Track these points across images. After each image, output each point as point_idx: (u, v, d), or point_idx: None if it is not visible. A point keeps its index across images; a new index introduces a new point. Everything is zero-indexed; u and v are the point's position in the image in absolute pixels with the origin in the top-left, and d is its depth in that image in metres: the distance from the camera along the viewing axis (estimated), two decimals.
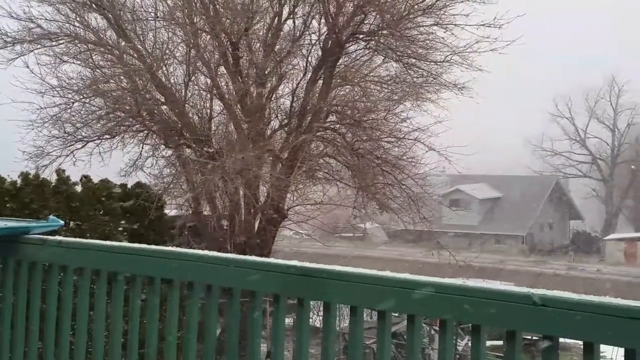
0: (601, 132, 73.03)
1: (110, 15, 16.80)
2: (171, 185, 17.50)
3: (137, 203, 15.07)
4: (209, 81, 17.50)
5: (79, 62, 17.25)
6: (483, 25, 16.45)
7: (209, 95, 17.69)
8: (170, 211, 17.16)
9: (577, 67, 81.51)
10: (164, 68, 17.25)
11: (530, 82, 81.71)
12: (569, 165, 73.17)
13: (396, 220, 19.95)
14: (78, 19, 17.06)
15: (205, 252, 3.46)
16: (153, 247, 3.69)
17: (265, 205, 16.61)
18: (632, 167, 68.63)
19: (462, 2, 16.62)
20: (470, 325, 2.51)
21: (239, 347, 3.21)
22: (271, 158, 17.20)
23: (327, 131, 17.99)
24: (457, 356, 21.21)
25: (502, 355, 2.42)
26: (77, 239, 4.20)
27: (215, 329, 3.39)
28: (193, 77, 17.58)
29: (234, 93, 17.04)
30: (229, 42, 16.73)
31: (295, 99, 17.61)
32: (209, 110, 17.71)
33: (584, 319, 2.16)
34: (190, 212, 17.28)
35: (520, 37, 16.94)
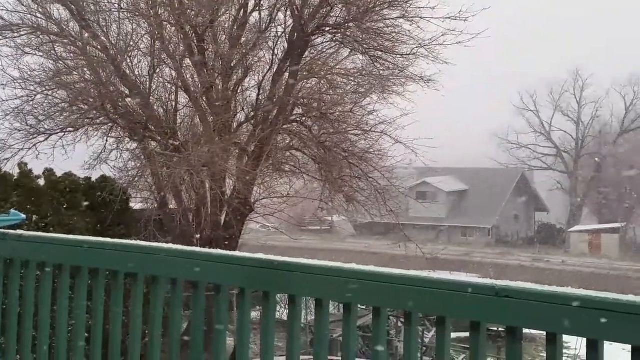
0: (566, 125, 74.07)
1: (73, 6, 16.57)
2: (136, 179, 17.34)
3: (102, 197, 14.93)
4: (174, 73, 17.35)
5: (41, 54, 17.03)
6: (449, 18, 16.53)
7: (174, 88, 17.56)
8: (135, 205, 17.02)
9: (542, 60, 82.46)
10: (128, 60, 17.07)
11: (496, 75, 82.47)
12: (534, 157, 74.09)
13: (363, 213, 19.99)
14: (40, 10, 16.81)
15: (170, 245, 3.43)
16: (117, 240, 3.65)
17: (231, 199, 16.54)
18: (596, 159, 69.65)
19: None
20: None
21: (204, 341, 3.19)
22: (237, 151, 17.12)
23: (294, 124, 17.96)
24: (425, 348, 21.38)
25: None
26: (39, 233, 4.15)
27: (180, 323, 3.36)
28: (158, 70, 17.42)
29: (199, 85, 16.91)
30: (194, 34, 16.61)
31: (262, 91, 17.56)
32: (174, 103, 17.59)
33: (546, 310, 2.18)
34: (156, 205, 17.14)
35: (486, 30, 17.08)
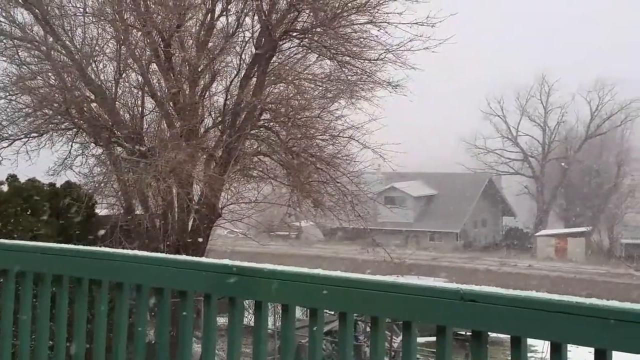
0: (532, 130, 74.89)
1: (37, 10, 16.39)
2: (102, 185, 17.19)
3: (67, 202, 14.77)
4: (140, 78, 17.23)
5: (4, 59, 16.82)
6: (416, 23, 16.61)
7: (140, 93, 17.44)
8: (101, 211, 16.86)
9: (509, 66, 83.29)
10: (94, 65, 16.92)
11: (464, 80, 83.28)
12: (502, 162, 74.77)
13: (331, 218, 20.00)
14: (4, 14, 16.62)
15: (135, 251, 3.40)
16: (81, 247, 3.61)
17: (199, 204, 16.44)
18: (562, 164, 70.47)
19: (395, 0, 16.77)
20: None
21: (170, 348, 3.16)
22: (205, 156, 17.04)
23: (262, 129, 17.92)
24: (392, 353, 21.43)
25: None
26: (1, 240, 4.08)
27: (145, 330, 3.33)
28: (124, 74, 17.28)
29: (166, 90, 16.80)
30: (160, 39, 16.50)
31: (229, 96, 17.49)
32: (140, 108, 17.46)
33: (511, 314, 2.19)
34: (122, 211, 16.99)
35: (453, 36, 17.21)
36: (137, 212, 17.07)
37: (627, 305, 2.04)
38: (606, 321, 2.02)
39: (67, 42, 16.69)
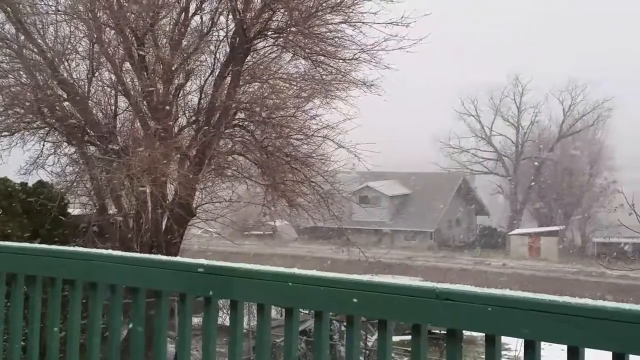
0: (506, 129, 75.39)
1: (8, 8, 16.21)
2: (74, 184, 17.05)
3: (39, 202, 14.63)
4: (113, 77, 17.12)
5: None
6: (391, 23, 16.66)
7: (113, 92, 17.32)
8: (74, 210, 16.72)
9: (483, 66, 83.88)
10: (66, 63, 16.78)
11: (438, 80, 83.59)
12: (476, 162, 75.21)
13: (306, 218, 20.01)
14: None
15: (109, 251, 3.38)
16: (54, 247, 3.58)
17: (173, 204, 16.36)
18: (535, 163, 71.04)
19: (370, 0, 16.81)
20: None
21: (144, 348, 3.14)
22: (179, 156, 16.96)
23: (236, 128, 17.88)
24: (367, 352, 21.47)
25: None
26: None
27: (120, 330, 3.31)
28: (97, 73, 17.16)
29: (139, 89, 16.70)
30: (134, 38, 16.39)
31: (204, 95, 17.43)
32: (113, 107, 17.34)
33: (486, 312, 2.20)
34: (95, 211, 16.86)
35: (428, 35, 17.29)
36: (111, 211, 16.96)
37: (599, 303, 2.06)
38: (579, 319, 2.05)
39: (39, 40, 16.53)
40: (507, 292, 2.22)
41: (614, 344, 2.01)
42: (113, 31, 16.72)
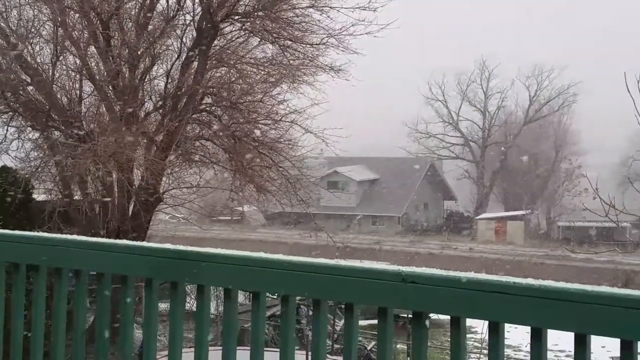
0: (473, 115, 75.87)
1: None
2: (39, 169, 16.84)
3: (2, 187, 14.44)
4: (78, 61, 16.90)
5: None
6: (358, 8, 16.66)
7: (78, 76, 17.10)
8: (39, 196, 16.53)
9: (450, 51, 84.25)
10: (30, 47, 16.53)
11: (406, 65, 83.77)
12: (443, 147, 75.55)
13: (274, 203, 20.01)
14: None
15: (74, 236, 3.34)
16: (17, 232, 3.52)
17: (139, 189, 16.25)
18: (502, 148, 71.65)
19: None
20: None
21: (111, 335, 3.12)
22: (145, 141, 16.83)
23: (203, 113, 17.78)
24: (336, 336, 21.58)
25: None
26: None
27: (85, 317, 3.28)
28: (61, 57, 16.93)
29: (105, 74, 16.52)
30: (99, 21, 16.19)
31: (170, 80, 17.29)
32: (78, 92, 17.14)
33: (451, 294, 2.22)
34: (60, 196, 16.69)
35: (395, 20, 17.30)
36: (76, 197, 16.79)
37: (562, 284, 2.08)
38: (542, 300, 2.07)
39: (2, 23, 16.26)
40: (472, 275, 2.23)
41: (576, 325, 2.04)
42: (78, 15, 16.49)
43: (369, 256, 44.38)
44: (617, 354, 2.06)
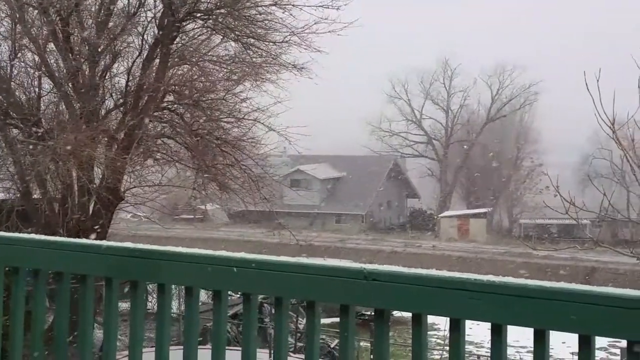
0: (436, 113, 76.50)
1: None
2: None
3: None
4: (37, 58, 16.66)
5: None
6: (321, 6, 16.65)
7: (37, 73, 16.86)
8: None
9: (413, 50, 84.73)
10: None
11: (369, 64, 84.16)
12: (406, 145, 76.07)
13: (237, 201, 19.95)
14: None
15: (32, 235, 3.30)
16: None
17: (100, 188, 16.07)
18: (464, 147, 72.33)
19: None
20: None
21: (69, 335, 3.08)
22: (106, 139, 16.65)
23: (165, 111, 17.64)
24: (299, 334, 21.61)
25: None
26: None
27: (44, 316, 3.23)
28: (19, 54, 16.68)
29: (64, 71, 16.30)
30: (58, 18, 15.96)
31: (131, 78, 17.11)
32: (37, 89, 16.90)
33: (412, 291, 2.23)
34: (19, 195, 16.44)
35: (358, 19, 17.33)
36: (35, 195, 16.56)
37: (522, 281, 2.11)
38: (501, 297, 2.09)
39: None
40: (433, 272, 2.25)
41: (535, 321, 2.06)
42: (36, 11, 16.26)
43: (332, 254, 44.48)
44: (577, 349, 2.09)
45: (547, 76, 69.37)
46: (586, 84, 11.03)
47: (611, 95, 11.35)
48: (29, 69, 17.09)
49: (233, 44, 17.78)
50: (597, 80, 11.05)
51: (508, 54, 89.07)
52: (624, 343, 2.03)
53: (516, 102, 73.12)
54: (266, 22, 17.26)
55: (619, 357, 19.27)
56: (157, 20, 16.90)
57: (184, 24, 17.07)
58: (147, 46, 16.99)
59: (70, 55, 16.01)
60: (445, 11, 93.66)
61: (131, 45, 17.42)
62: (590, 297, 1.98)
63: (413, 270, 2.29)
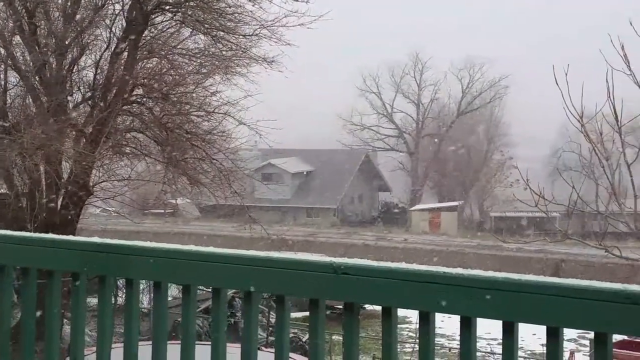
0: (407, 106, 76.51)
1: None
2: None
3: None
4: (2, 51, 16.43)
5: None
6: None
7: (2, 66, 16.63)
8: None
9: (383, 43, 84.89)
10: None
11: (340, 58, 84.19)
12: (378, 139, 75.99)
13: (208, 195, 19.87)
14: None
15: None
16: None
17: (68, 182, 15.91)
18: (435, 140, 72.59)
19: None
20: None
21: (37, 331, 3.04)
22: (74, 133, 16.48)
23: (134, 105, 17.50)
24: (271, 328, 21.59)
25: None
26: None
27: (10, 313, 3.19)
28: None
29: (31, 64, 16.10)
30: (24, 10, 15.76)
31: (99, 71, 16.96)
32: (3, 82, 16.67)
33: (382, 285, 2.22)
34: None
35: (329, 12, 17.34)
36: (2, 190, 16.36)
37: (490, 274, 2.11)
38: (470, 289, 2.09)
39: None
40: (403, 265, 2.24)
41: (504, 313, 2.07)
42: (2, 3, 16.03)
43: (303, 248, 44.46)
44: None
45: (517, 70, 69.96)
46: (555, 77, 11.13)
47: (580, 90, 11.47)
48: None
49: (202, 37, 17.71)
50: (566, 74, 11.16)
51: (478, 48, 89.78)
52: (592, 334, 2.04)
53: (486, 95, 73.42)
54: (236, 15, 17.20)
55: (588, 349, 19.53)
56: (125, 13, 16.76)
57: (153, 16, 16.96)
58: (115, 39, 16.85)
59: (37, 48, 15.81)
60: (416, 4, 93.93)
61: (99, 38, 17.28)
62: (559, 289, 1.99)
63: (383, 264, 2.29)
